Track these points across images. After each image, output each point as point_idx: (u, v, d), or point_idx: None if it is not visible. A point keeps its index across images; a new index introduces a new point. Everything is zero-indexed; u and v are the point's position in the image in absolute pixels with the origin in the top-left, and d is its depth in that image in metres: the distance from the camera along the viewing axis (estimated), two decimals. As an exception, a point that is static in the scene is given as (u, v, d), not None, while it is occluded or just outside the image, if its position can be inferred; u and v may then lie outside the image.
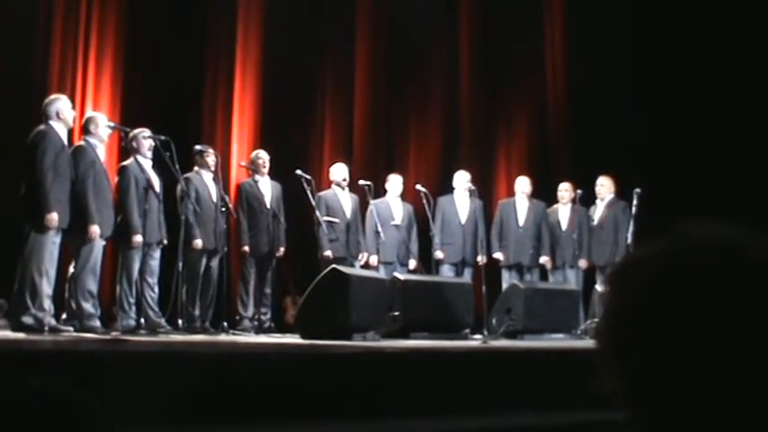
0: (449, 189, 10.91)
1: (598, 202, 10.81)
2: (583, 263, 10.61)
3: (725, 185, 10.33)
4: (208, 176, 9.35)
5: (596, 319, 9.09)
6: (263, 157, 9.95)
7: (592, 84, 11.87)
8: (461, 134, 12.63)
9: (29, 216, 7.60)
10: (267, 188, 9.83)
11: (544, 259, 10.77)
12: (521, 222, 10.80)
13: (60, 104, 7.96)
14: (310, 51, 11.94)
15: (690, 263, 1.10)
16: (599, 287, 9.86)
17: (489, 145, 12.73)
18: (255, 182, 9.82)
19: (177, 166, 8.60)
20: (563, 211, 10.86)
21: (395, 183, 10.69)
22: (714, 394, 1.05)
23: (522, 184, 10.98)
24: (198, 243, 9.02)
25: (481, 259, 10.48)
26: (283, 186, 9.97)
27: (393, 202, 10.60)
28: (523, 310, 9.21)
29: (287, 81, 11.59)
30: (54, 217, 7.52)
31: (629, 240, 10.08)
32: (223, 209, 9.21)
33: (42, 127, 7.78)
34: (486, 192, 11.40)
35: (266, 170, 9.89)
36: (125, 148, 8.85)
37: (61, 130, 7.86)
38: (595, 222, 10.71)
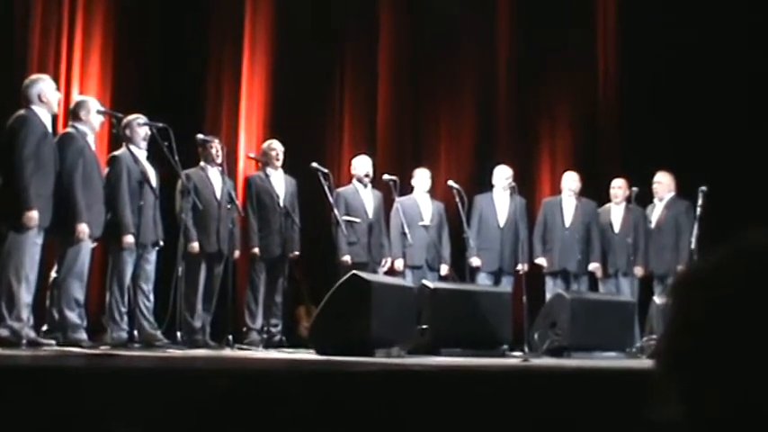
0: (485, 186, 10.89)
1: (656, 201, 10.78)
2: (638, 270, 10.58)
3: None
4: (213, 171, 9.36)
5: (655, 336, 9.09)
6: (277, 147, 9.95)
7: (648, 69, 11.81)
8: (499, 124, 12.61)
9: (5, 214, 7.60)
10: (280, 183, 9.84)
11: (594, 266, 10.74)
12: (567, 224, 10.78)
13: (43, 86, 7.96)
14: (328, 29, 11.94)
15: (765, 272, 1.08)
16: (657, 299, 9.80)
17: (531, 136, 12.72)
18: (267, 176, 9.81)
19: (177, 158, 8.59)
20: (616, 212, 10.83)
21: (422, 178, 10.70)
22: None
23: (570, 181, 10.95)
24: (195, 246, 9.06)
25: (522, 267, 10.46)
26: (297, 181, 9.97)
27: (421, 200, 10.60)
28: (570, 325, 9.19)
29: (302, 62, 11.57)
30: (34, 215, 7.52)
31: (693, 246, 10.04)
32: (229, 206, 9.22)
33: (22, 112, 7.78)
34: (527, 190, 11.37)
35: (279, 163, 9.90)
36: (116, 137, 8.85)
37: (44, 116, 7.86)
38: (653, 224, 10.69)
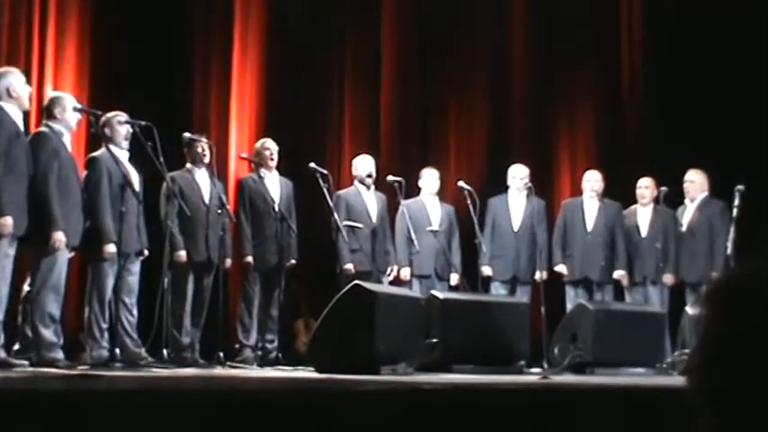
0: (498, 187, 10.88)
1: (687, 202, 10.77)
2: (669, 278, 10.57)
3: None
4: (201, 173, 9.36)
5: (687, 351, 9.07)
6: (271, 147, 9.95)
7: (678, 57, 11.80)
8: (514, 119, 12.61)
9: (-26, 222, 7.57)
10: (275, 185, 9.84)
11: (619, 274, 10.74)
12: (589, 227, 10.77)
13: (12, 79, 7.94)
14: (326, 17, 11.93)
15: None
16: (690, 309, 9.79)
17: (549, 132, 12.71)
18: (261, 177, 9.81)
19: (161, 159, 8.56)
20: (643, 214, 10.82)
21: (430, 179, 10.69)
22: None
23: (591, 181, 10.94)
24: (182, 255, 9.06)
25: (540, 276, 10.45)
26: (294, 183, 9.97)
27: (429, 203, 10.60)
28: (593, 338, 9.20)
29: (297, 57, 11.60)
30: (8, 221, 7.50)
31: (729, 251, 10.02)
32: (219, 210, 9.21)
33: None
34: (545, 190, 11.37)
35: (274, 163, 9.90)
36: (95, 136, 8.84)
37: (14, 112, 7.83)
38: (684, 228, 10.68)
